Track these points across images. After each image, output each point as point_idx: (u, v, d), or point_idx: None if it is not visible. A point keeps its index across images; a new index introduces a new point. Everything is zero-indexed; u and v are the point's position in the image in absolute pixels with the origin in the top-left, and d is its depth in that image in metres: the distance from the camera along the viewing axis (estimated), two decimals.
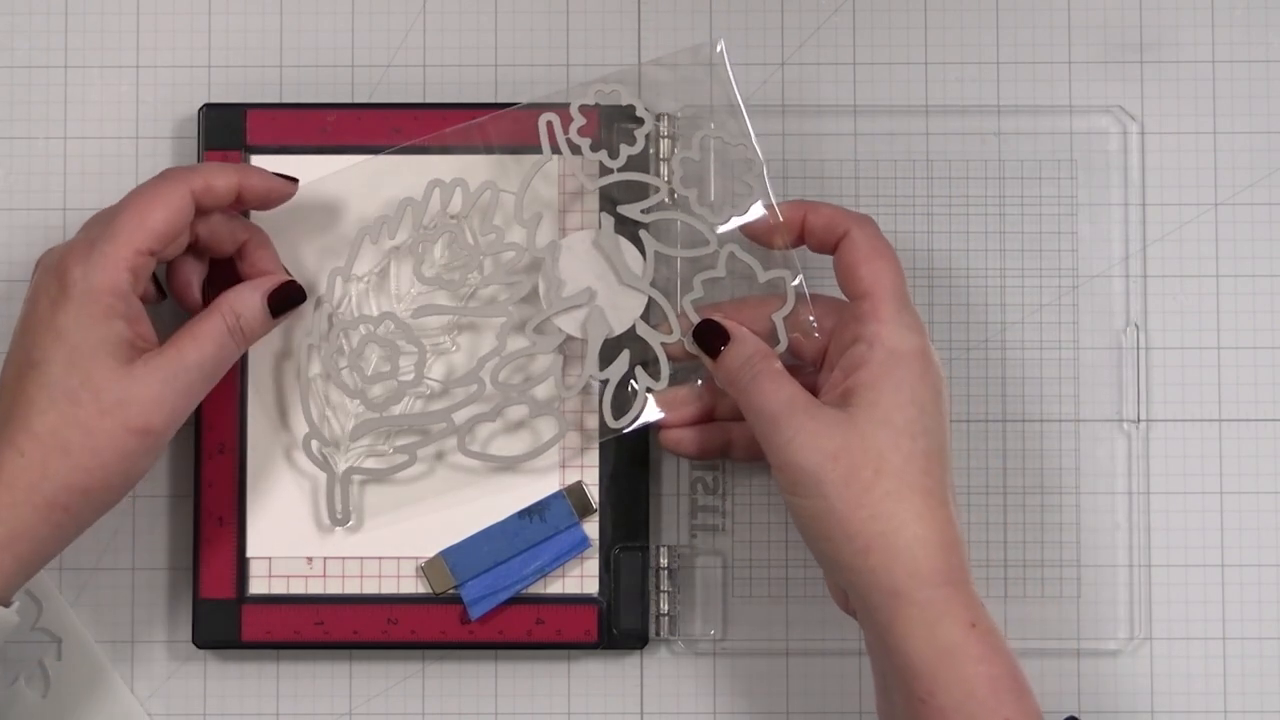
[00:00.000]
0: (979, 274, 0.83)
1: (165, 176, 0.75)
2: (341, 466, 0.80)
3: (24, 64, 0.84)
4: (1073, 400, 0.83)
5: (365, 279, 0.80)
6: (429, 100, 0.84)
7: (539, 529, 0.81)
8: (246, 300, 0.76)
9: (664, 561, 0.81)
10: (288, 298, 0.78)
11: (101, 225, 0.74)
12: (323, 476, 0.80)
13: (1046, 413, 0.83)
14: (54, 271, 0.73)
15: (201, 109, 0.82)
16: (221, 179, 0.75)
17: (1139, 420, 0.83)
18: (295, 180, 0.78)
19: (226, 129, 0.81)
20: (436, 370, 0.80)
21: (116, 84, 0.84)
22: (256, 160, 0.81)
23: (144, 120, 0.84)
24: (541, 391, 0.79)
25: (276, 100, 0.84)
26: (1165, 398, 0.83)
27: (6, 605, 0.72)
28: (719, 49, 0.79)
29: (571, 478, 0.81)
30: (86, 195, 0.83)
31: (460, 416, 0.79)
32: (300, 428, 0.80)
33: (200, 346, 0.74)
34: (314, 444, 0.79)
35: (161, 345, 0.74)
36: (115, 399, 0.72)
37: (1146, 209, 0.83)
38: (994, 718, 0.69)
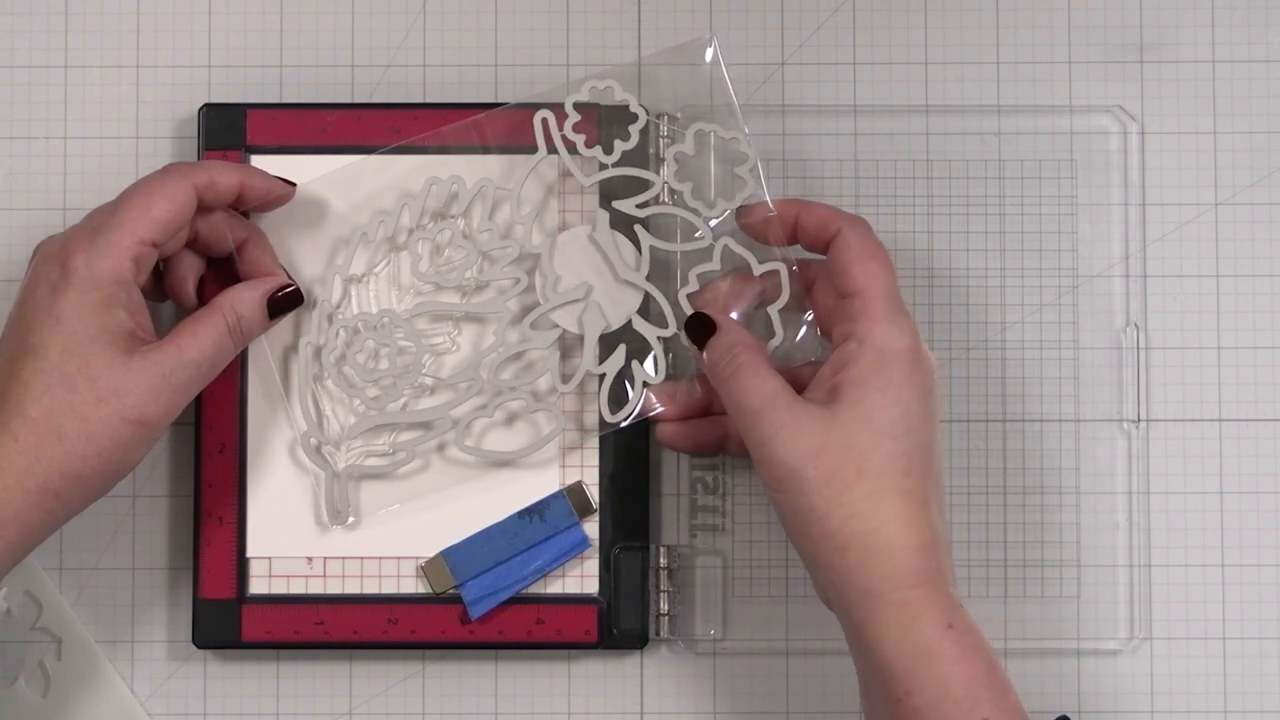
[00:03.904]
0: (979, 274, 0.83)
1: (169, 170, 0.76)
2: (341, 465, 0.80)
3: (24, 64, 0.84)
4: (1073, 400, 0.83)
5: (364, 277, 0.80)
6: (429, 100, 0.84)
7: (539, 529, 0.81)
8: (246, 300, 0.77)
9: (664, 561, 0.81)
10: (287, 301, 0.78)
11: (104, 215, 0.74)
12: (323, 476, 0.80)
13: (1046, 413, 0.83)
14: (55, 258, 0.73)
15: (201, 109, 0.82)
16: (224, 176, 0.76)
17: (1139, 420, 0.83)
18: (294, 185, 0.79)
19: (226, 129, 0.81)
20: (435, 368, 0.80)
21: (116, 84, 0.84)
22: (256, 160, 0.81)
23: (144, 120, 0.84)
24: (539, 386, 0.79)
25: (276, 100, 0.84)
26: (1165, 398, 0.83)
27: None
28: (712, 47, 0.79)
29: (571, 477, 0.81)
30: (86, 195, 0.83)
31: (459, 412, 0.79)
32: (300, 427, 0.80)
33: (199, 344, 0.74)
34: (313, 442, 0.79)
35: (160, 339, 0.74)
36: (112, 387, 0.72)
37: (1146, 209, 0.83)
38: (970, 717, 0.69)
